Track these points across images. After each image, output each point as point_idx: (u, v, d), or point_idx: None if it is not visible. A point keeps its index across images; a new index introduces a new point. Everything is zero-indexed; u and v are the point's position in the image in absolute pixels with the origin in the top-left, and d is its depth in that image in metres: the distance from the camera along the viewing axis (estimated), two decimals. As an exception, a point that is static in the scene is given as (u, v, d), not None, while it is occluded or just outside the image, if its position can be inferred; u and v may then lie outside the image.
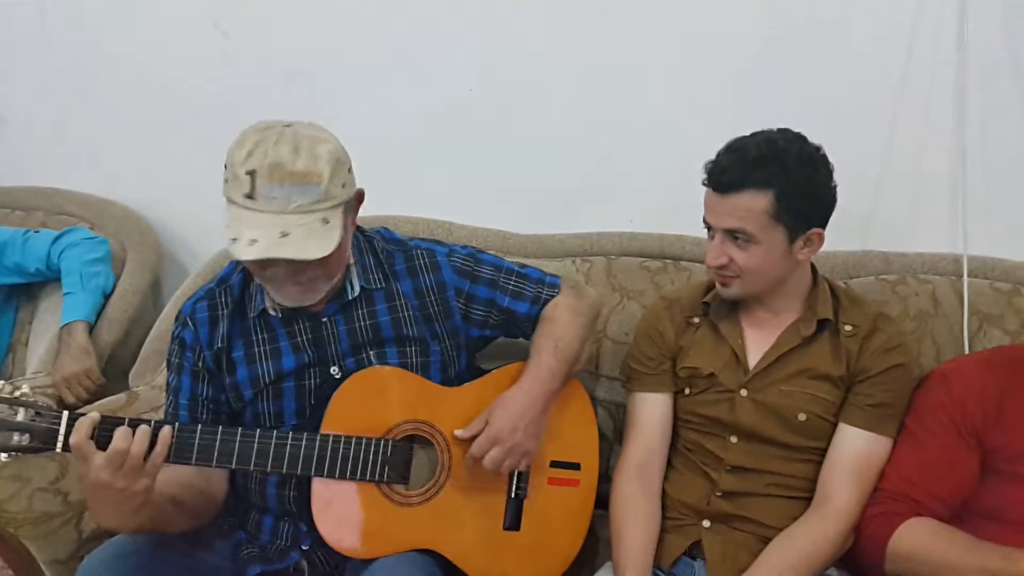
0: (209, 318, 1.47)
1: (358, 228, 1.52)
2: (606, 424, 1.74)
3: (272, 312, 1.45)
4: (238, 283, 1.48)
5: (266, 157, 1.26)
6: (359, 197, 1.41)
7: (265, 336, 1.46)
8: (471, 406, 1.45)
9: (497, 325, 1.56)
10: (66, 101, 2.29)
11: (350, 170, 1.36)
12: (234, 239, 1.25)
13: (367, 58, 2.05)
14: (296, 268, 1.31)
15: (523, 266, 1.60)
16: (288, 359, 1.44)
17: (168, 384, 1.51)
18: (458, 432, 1.42)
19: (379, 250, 1.51)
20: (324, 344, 1.45)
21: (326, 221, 1.28)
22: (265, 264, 1.30)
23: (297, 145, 1.28)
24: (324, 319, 1.45)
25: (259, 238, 1.24)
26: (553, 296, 1.56)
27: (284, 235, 1.25)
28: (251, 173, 1.26)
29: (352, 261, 1.46)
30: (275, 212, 1.26)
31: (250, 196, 1.26)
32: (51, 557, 1.55)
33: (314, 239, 1.27)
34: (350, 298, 1.46)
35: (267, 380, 1.44)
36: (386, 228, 1.59)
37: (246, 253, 1.24)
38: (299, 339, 1.45)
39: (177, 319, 1.50)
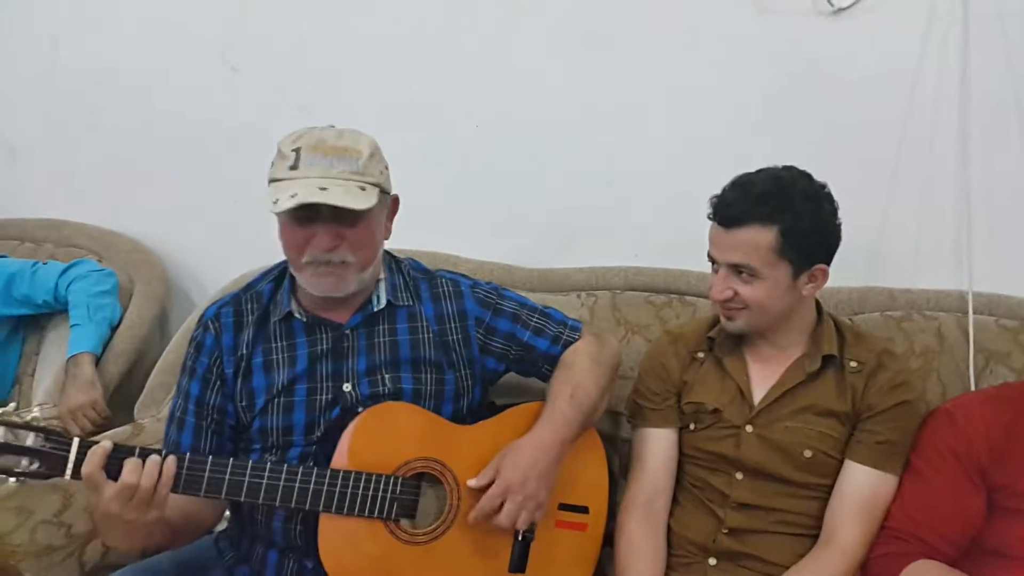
0: (235, 323, 1.48)
1: (390, 253, 1.55)
2: (612, 460, 1.72)
3: (297, 316, 1.46)
4: (267, 291, 1.50)
5: (312, 137, 1.38)
6: (395, 202, 1.48)
7: (285, 343, 1.47)
8: (483, 446, 1.44)
9: (515, 360, 1.56)
10: (76, 134, 2.32)
11: (387, 168, 1.44)
12: (275, 201, 1.32)
13: (372, 92, 2.08)
14: (334, 234, 1.36)
15: (546, 306, 1.60)
16: (303, 364, 1.45)
17: (179, 385, 1.52)
18: (470, 482, 1.40)
19: (407, 274, 1.54)
20: (342, 356, 1.46)
21: (363, 189, 1.36)
22: (304, 220, 1.35)
23: (342, 132, 1.40)
24: (347, 330, 1.46)
25: (298, 192, 1.31)
26: (574, 340, 1.55)
27: (323, 189, 1.32)
28: (296, 150, 1.36)
29: (382, 276, 1.50)
30: (316, 176, 1.34)
31: (294, 167, 1.35)
32: (53, 590, 1.55)
33: (351, 196, 1.33)
34: (375, 310, 1.47)
35: (280, 386, 1.44)
36: (414, 259, 1.62)
37: (286, 204, 1.31)
38: (319, 348, 1.46)
39: (199, 323, 1.52)
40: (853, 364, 1.44)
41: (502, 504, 1.37)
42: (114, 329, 2.03)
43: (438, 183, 2.07)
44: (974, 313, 1.70)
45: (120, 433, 1.77)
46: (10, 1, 2.30)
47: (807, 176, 1.41)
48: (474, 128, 2.05)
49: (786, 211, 1.36)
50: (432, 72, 2.05)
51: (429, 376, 1.48)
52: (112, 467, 1.24)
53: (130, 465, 1.24)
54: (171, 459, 1.28)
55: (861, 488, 1.38)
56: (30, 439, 1.25)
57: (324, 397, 1.45)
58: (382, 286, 1.50)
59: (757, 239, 1.37)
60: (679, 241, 1.81)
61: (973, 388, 1.63)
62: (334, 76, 2.10)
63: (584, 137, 1.99)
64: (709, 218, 1.43)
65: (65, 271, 2.02)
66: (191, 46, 2.19)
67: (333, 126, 1.42)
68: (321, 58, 2.11)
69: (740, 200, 1.39)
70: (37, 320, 2.10)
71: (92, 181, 2.33)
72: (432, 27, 2.03)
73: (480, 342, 1.53)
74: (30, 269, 2.03)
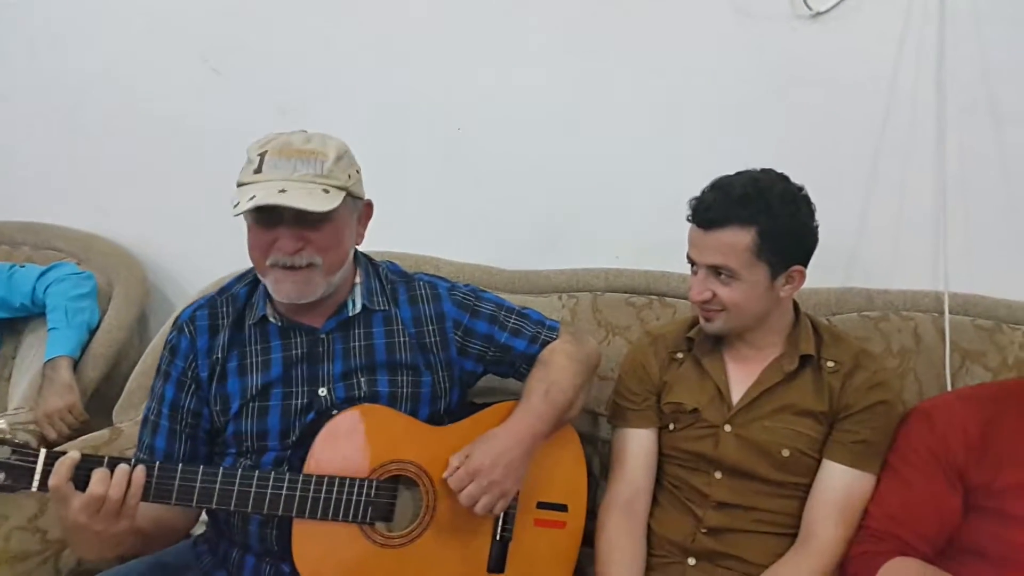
0: (209, 327, 1.47)
1: (367, 256, 1.55)
2: (592, 461, 1.73)
3: (272, 320, 1.46)
4: (242, 294, 1.49)
5: (279, 141, 1.37)
6: (368, 207, 1.48)
7: (259, 347, 1.46)
8: (459, 446, 1.43)
9: (492, 361, 1.56)
10: (54, 136, 2.30)
11: (359, 171, 1.43)
12: (236, 204, 1.32)
13: (356, 95, 2.07)
14: (297, 236, 1.35)
15: (524, 307, 1.61)
16: (278, 369, 1.44)
17: (152, 389, 1.50)
18: (444, 474, 1.40)
19: (384, 278, 1.54)
20: (318, 360, 1.45)
21: (326, 191, 1.34)
22: (267, 223, 1.35)
23: (310, 136, 1.40)
24: (322, 335, 1.46)
25: (257, 194, 1.31)
26: (552, 339, 1.56)
27: (282, 191, 1.31)
28: (262, 154, 1.35)
29: (358, 280, 1.49)
30: (278, 179, 1.33)
31: (257, 171, 1.34)
32: (29, 596, 1.53)
33: (312, 198, 1.32)
34: (350, 315, 1.47)
35: (255, 391, 1.44)
36: (392, 262, 1.61)
37: (245, 206, 1.30)
38: (294, 352, 1.45)
39: (173, 326, 1.51)
40: (830, 364, 1.45)
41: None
42: (92, 333, 2.01)
43: (419, 185, 2.07)
44: (950, 313, 1.72)
45: (98, 437, 1.75)
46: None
47: (785, 178, 1.42)
48: (456, 131, 2.05)
49: (764, 213, 1.37)
50: (414, 74, 2.04)
51: (405, 379, 1.48)
52: (80, 477, 1.23)
53: (98, 475, 1.23)
54: (140, 468, 1.26)
55: (838, 487, 1.39)
56: None
57: (299, 402, 1.44)
58: (357, 290, 1.49)
59: (735, 240, 1.38)
60: (659, 243, 1.82)
61: (950, 388, 1.65)
62: (316, 78, 2.10)
63: (565, 140, 1.99)
64: (688, 220, 1.44)
65: (43, 274, 2.00)
66: (172, 48, 2.17)
67: (304, 131, 1.41)
68: (303, 60, 2.10)
69: (719, 202, 1.40)
70: (14, 324, 2.07)
71: (72, 183, 2.31)
72: (415, 29, 2.03)
73: (458, 344, 1.53)
74: (7, 272, 2.01)
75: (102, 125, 2.26)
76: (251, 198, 1.30)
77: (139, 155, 2.24)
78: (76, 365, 1.94)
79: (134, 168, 2.25)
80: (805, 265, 1.44)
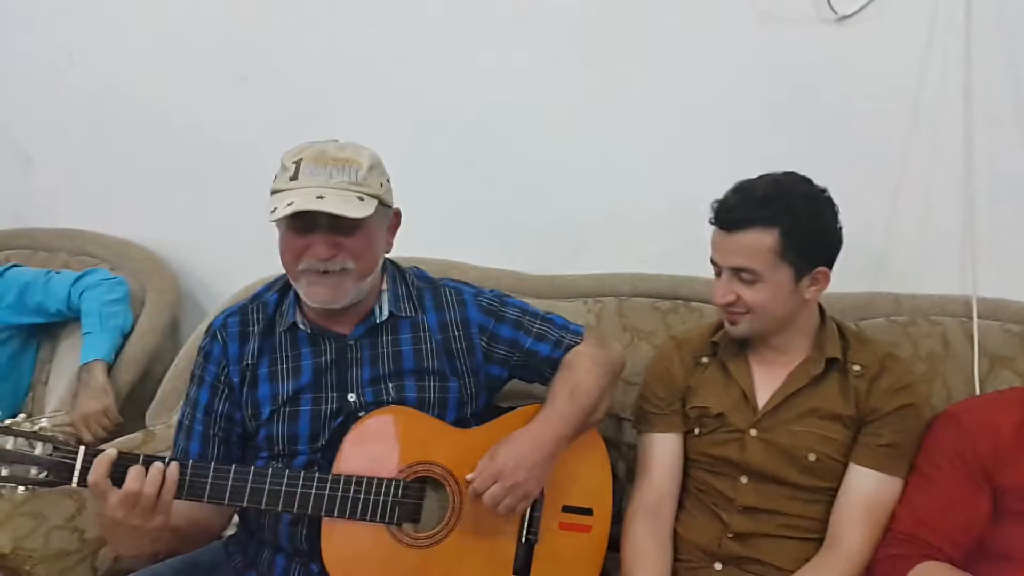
0: (240, 333, 1.50)
1: (393, 263, 1.57)
2: (617, 465, 1.73)
3: (301, 327, 1.48)
4: (272, 302, 1.52)
5: (314, 149, 1.40)
6: (397, 215, 1.50)
7: (289, 353, 1.48)
8: (485, 448, 1.44)
9: (517, 366, 1.57)
10: (89, 144, 2.35)
11: (389, 180, 1.45)
12: (273, 210, 1.35)
13: (381, 101, 2.10)
14: (331, 243, 1.37)
15: (548, 312, 1.62)
16: (308, 376, 1.47)
17: (187, 394, 1.53)
18: (468, 475, 1.41)
19: (411, 284, 1.55)
20: (346, 367, 1.47)
21: (361, 199, 1.37)
22: (302, 229, 1.37)
23: (343, 145, 1.43)
24: (350, 341, 1.48)
25: (295, 200, 1.34)
26: (576, 343, 1.56)
27: (320, 198, 1.34)
28: (297, 162, 1.38)
29: (385, 287, 1.51)
30: (315, 186, 1.36)
31: (294, 178, 1.37)
32: (65, 594, 1.56)
33: (348, 205, 1.35)
34: (378, 322, 1.49)
35: (286, 397, 1.46)
36: (419, 268, 1.63)
37: (283, 212, 1.33)
38: (323, 359, 1.47)
39: (207, 332, 1.54)
40: (856, 368, 1.45)
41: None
42: (126, 337, 2.05)
43: (445, 191, 2.08)
44: (979, 318, 1.70)
45: (131, 440, 1.79)
46: (27, 17, 2.34)
47: (807, 180, 1.43)
48: (481, 136, 2.06)
49: (786, 214, 1.37)
50: (439, 82, 2.07)
51: (433, 384, 1.50)
52: (117, 474, 1.26)
53: (133, 472, 1.27)
54: (174, 466, 1.30)
55: (866, 491, 1.39)
56: (38, 448, 1.27)
57: (328, 407, 1.46)
58: (384, 297, 1.51)
59: (758, 242, 1.38)
60: (685, 247, 1.82)
61: (978, 392, 1.64)
62: (343, 86, 2.13)
63: (589, 145, 2.00)
64: (711, 222, 1.45)
65: (78, 280, 2.04)
66: (202, 57, 2.22)
67: (336, 140, 1.44)
68: (330, 68, 2.13)
69: (741, 204, 1.40)
70: (50, 329, 2.12)
71: (106, 190, 2.35)
72: (438, 38, 2.05)
73: (484, 349, 1.54)
74: (43, 278, 2.05)
75: (135, 133, 2.31)
76: (289, 204, 1.33)
77: (171, 163, 2.28)
78: (110, 369, 1.98)
79: (166, 176, 2.30)
80: (830, 267, 1.44)
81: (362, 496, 1.38)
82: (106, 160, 2.35)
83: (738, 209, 1.40)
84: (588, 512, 1.52)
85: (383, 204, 1.42)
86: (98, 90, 2.31)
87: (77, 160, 2.37)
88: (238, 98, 2.21)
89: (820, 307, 1.52)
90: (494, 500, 1.38)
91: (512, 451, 1.40)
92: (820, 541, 1.41)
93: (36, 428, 1.29)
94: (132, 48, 2.27)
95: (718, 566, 1.44)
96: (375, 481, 1.39)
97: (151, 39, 2.25)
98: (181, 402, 1.63)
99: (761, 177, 1.43)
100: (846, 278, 1.57)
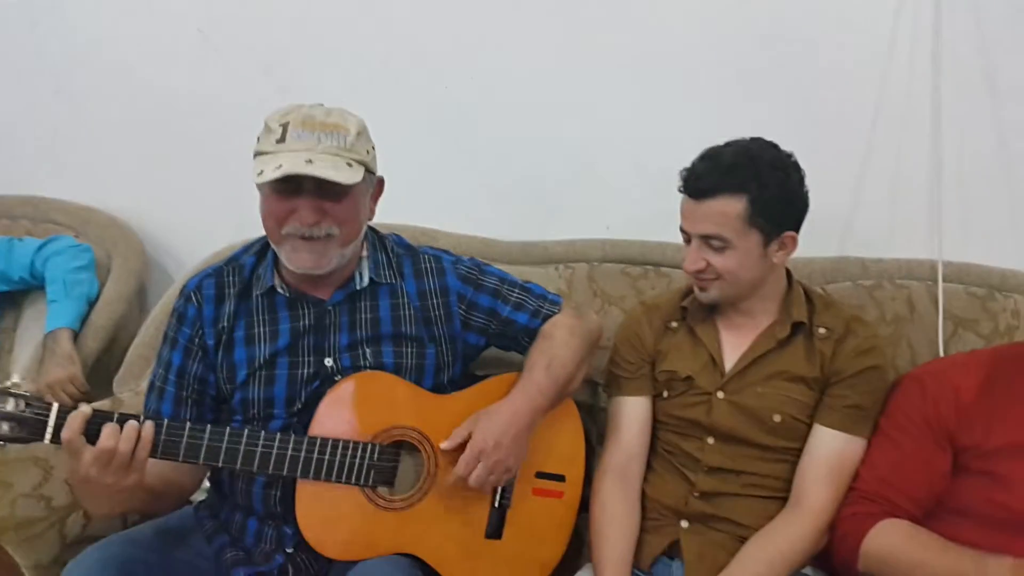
0: (215, 296, 1.49)
1: (374, 230, 1.56)
2: (591, 431, 1.74)
3: (280, 291, 1.47)
4: (249, 264, 1.51)
5: (300, 113, 1.38)
6: (381, 183, 1.49)
7: (267, 317, 1.47)
8: (461, 415, 1.46)
9: (495, 334, 1.57)
10: (51, 110, 2.29)
11: (374, 148, 1.44)
12: (260, 172, 1.33)
13: (350, 65, 2.07)
14: (317, 208, 1.36)
15: (526, 281, 1.62)
16: (285, 339, 1.46)
17: (159, 356, 1.52)
18: (443, 444, 1.43)
19: (390, 251, 1.55)
20: (324, 332, 1.47)
21: (349, 165, 1.36)
22: (288, 192, 1.35)
23: (330, 110, 1.40)
24: (329, 307, 1.47)
25: (284, 163, 1.32)
26: (554, 313, 1.57)
27: (309, 162, 1.32)
28: (284, 124, 1.36)
29: (365, 254, 1.51)
30: (303, 150, 1.34)
31: (281, 140, 1.35)
32: (33, 562, 1.55)
33: (338, 170, 1.34)
34: (357, 288, 1.48)
35: (262, 360, 1.45)
36: (398, 235, 1.62)
37: (271, 175, 1.31)
38: (301, 323, 1.46)
39: (181, 294, 1.52)
40: (822, 331, 1.46)
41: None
42: (92, 304, 2.02)
43: (416, 157, 2.06)
44: (944, 281, 1.73)
45: (99, 407, 1.76)
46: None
47: (774, 146, 1.43)
48: (450, 102, 2.05)
49: (754, 180, 1.38)
50: (408, 46, 2.04)
51: (410, 351, 1.50)
52: (91, 432, 1.25)
53: (108, 430, 1.25)
54: (149, 424, 1.29)
55: (829, 451, 1.41)
56: (10, 404, 1.25)
57: (305, 371, 1.46)
58: (365, 264, 1.50)
59: (727, 209, 1.39)
60: (655, 213, 1.81)
61: (942, 354, 1.67)
62: (312, 49, 2.09)
63: (560, 111, 1.99)
64: (680, 191, 1.45)
65: (41, 247, 2.01)
66: (165, 19, 2.17)
67: (322, 104, 1.41)
68: (298, 31, 2.09)
69: (709, 171, 1.41)
70: (14, 297, 2.08)
71: (69, 157, 2.31)
72: (405, 3, 2.02)
73: (462, 317, 1.54)
74: (6, 246, 2.02)
75: (99, 98, 2.26)
76: (278, 167, 1.31)
77: (136, 128, 2.24)
78: (76, 337, 1.96)
79: (131, 141, 2.25)
80: (797, 231, 1.45)
81: (337, 458, 1.38)
82: (69, 126, 2.30)
83: (706, 177, 1.41)
84: (561, 478, 1.54)
85: (369, 171, 1.41)
86: (60, 55, 2.26)
87: (38, 125, 2.31)
88: (204, 62, 2.16)
89: (788, 272, 1.53)
90: (480, 481, 1.39)
91: (492, 428, 1.41)
92: (784, 500, 1.43)
93: (8, 384, 1.28)
94: (96, 11, 2.21)
95: (684, 524, 1.46)
96: (351, 444, 1.39)
97: (115, 2, 2.19)
98: (149, 369, 1.62)
99: (728, 144, 1.44)
100: (814, 243, 1.59)
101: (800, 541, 1.37)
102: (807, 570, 1.42)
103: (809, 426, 1.44)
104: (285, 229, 1.38)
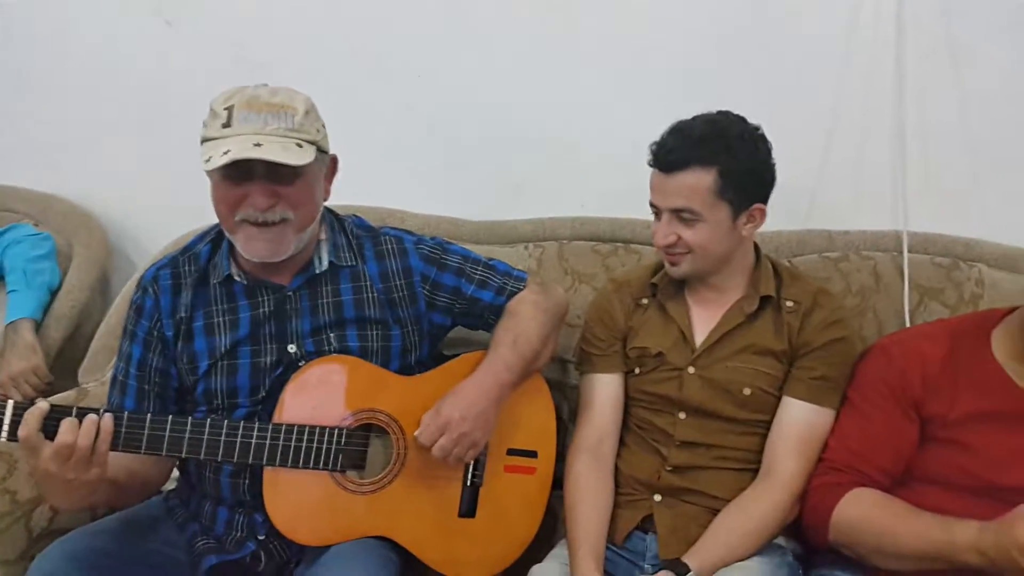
0: (172, 286, 1.46)
1: (332, 212, 1.53)
2: (561, 407, 1.75)
3: (237, 278, 1.44)
4: (204, 253, 1.48)
5: (244, 95, 1.34)
6: (334, 162, 1.46)
7: (226, 306, 1.45)
8: (428, 395, 1.45)
9: (460, 313, 1.56)
10: (7, 96, 2.24)
11: (324, 126, 1.41)
12: (207, 159, 1.29)
13: (315, 46, 2.04)
14: (270, 192, 1.33)
15: (490, 259, 1.61)
16: (245, 328, 1.44)
17: (120, 349, 1.50)
18: (416, 432, 1.41)
19: (350, 232, 1.52)
20: (285, 318, 1.45)
21: (300, 146, 1.33)
22: (238, 178, 1.32)
23: (276, 90, 1.37)
24: (289, 292, 1.45)
25: (231, 148, 1.28)
26: (519, 289, 1.56)
27: (257, 145, 1.29)
28: (229, 108, 1.32)
29: (323, 237, 1.48)
30: (250, 133, 1.31)
31: (226, 124, 1.31)
32: (0, 557, 1.53)
33: (287, 152, 1.31)
34: (317, 272, 1.46)
35: (223, 350, 1.43)
36: (358, 216, 1.60)
37: (219, 161, 1.28)
38: (261, 311, 1.44)
39: (137, 286, 1.50)
40: (789, 304, 1.47)
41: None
42: (54, 294, 1.99)
43: (382, 138, 2.05)
44: (909, 252, 1.74)
45: (64, 398, 1.74)
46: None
47: (742, 119, 1.44)
48: (417, 80, 2.02)
49: (724, 153, 1.38)
50: (372, 23, 2.01)
51: (375, 333, 1.48)
52: (50, 428, 1.23)
53: (67, 425, 1.23)
54: (108, 417, 1.27)
55: (799, 422, 1.42)
56: None
57: (268, 359, 1.44)
58: (324, 247, 1.48)
59: (697, 182, 1.39)
60: (624, 189, 1.81)
61: (908, 324, 1.68)
62: (273, 30, 2.06)
63: (527, 88, 1.97)
64: (649, 164, 1.45)
65: (-1, 236, 1.97)
66: (123, 2, 2.12)
67: (266, 85, 1.38)
68: (259, 12, 2.06)
69: (679, 145, 1.41)
70: (-28, 288, 2.04)
71: (27, 144, 2.25)
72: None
73: (426, 298, 1.53)
74: (-38, 235, 1.98)
75: (56, 83, 2.21)
76: (225, 152, 1.28)
77: (94, 114, 2.20)
78: (38, 327, 1.93)
79: (90, 127, 2.21)
80: (765, 203, 1.46)
81: (304, 444, 1.37)
82: (26, 113, 2.24)
83: (676, 150, 1.40)
84: (533, 455, 1.54)
85: (320, 150, 1.38)
86: (16, 40, 2.20)
87: (-3, 113, 2.27)
88: (165, 45, 2.12)
89: (756, 246, 1.54)
90: (443, 452, 1.39)
91: (457, 403, 1.41)
92: (755, 472, 1.45)
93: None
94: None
95: (657, 498, 1.47)
96: (316, 429, 1.38)
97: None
98: (114, 359, 1.59)
99: (697, 117, 1.44)
100: (780, 216, 1.60)
101: (771, 512, 1.39)
102: (779, 540, 1.44)
103: (778, 399, 1.45)
104: (238, 215, 1.35)
